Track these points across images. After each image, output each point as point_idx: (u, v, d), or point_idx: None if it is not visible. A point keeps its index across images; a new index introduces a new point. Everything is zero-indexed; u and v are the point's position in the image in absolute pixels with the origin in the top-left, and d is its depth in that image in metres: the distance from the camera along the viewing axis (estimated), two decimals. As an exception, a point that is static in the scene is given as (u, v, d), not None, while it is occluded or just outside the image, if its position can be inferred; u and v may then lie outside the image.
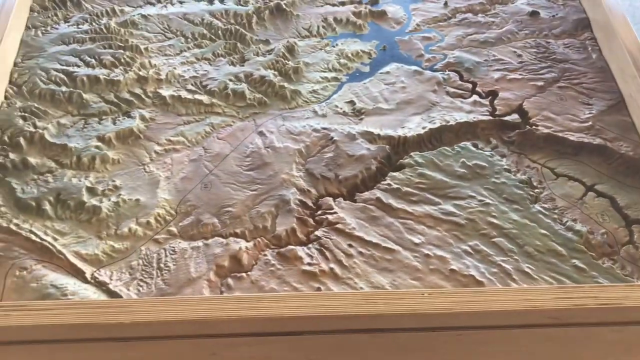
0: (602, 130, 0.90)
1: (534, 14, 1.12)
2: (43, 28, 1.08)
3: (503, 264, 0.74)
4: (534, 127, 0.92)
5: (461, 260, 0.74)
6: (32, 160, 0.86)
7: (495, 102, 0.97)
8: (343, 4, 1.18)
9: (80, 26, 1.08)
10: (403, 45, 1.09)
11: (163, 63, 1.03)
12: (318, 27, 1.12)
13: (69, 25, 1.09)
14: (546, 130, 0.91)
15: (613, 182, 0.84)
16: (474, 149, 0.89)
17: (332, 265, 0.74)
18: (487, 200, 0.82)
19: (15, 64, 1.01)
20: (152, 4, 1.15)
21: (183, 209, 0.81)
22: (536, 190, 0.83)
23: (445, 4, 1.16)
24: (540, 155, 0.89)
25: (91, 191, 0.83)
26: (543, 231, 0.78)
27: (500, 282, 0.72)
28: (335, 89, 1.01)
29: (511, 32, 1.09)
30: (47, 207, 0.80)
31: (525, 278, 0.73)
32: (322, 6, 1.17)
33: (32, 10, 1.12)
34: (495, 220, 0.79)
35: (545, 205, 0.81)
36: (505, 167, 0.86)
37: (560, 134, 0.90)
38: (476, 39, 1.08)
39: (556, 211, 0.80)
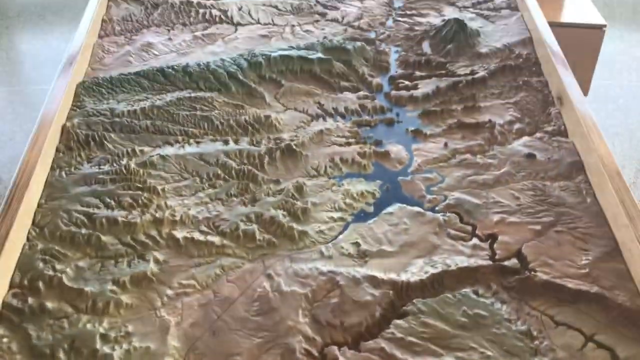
0: (599, 278, 0.93)
1: (530, 156, 1.17)
2: (67, 169, 1.15)
3: (505, 422, 0.74)
4: (533, 272, 0.94)
5: (464, 418, 0.75)
6: (50, 304, 0.89)
7: (495, 245, 1.00)
8: (349, 144, 1.24)
9: (102, 167, 1.15)
10: (405, 186, 1.14)
11: (178, 204, 1.08)
12: (325, 166, 1.18)
13: (91, 166, 1.15)
14: (545, 277, 0.93)
15: (612, 332, 0.85)
16: (474, 296, 0.91)
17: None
18: (489, 353, 0.83)
19: (39, 205, 1.06)
20: (171, 144, 1.22)
21: (192, 357, 0.83)
22: (536, 342, 0.84)
23: (445, 144, 1.23)
24: (539, 302, 0.91)
25: (104, 338, 0.85)
26: (544, 386, 0.79)
27: None
28: (341, 229, 1.05)
29: (509, 174, 1.14)
30: (61, 355, 0.82)
31: None
32: (329, 146, 1.24)
33: (57, 150, 1.19)
34: (496, 374, 0.80)
35: (546, 359, 0.82)
36: (506, 316, 0.88)
37: (558, 281, 0.93)
38: (475, 181, 1.13)
39: (557, 364, 0.81)
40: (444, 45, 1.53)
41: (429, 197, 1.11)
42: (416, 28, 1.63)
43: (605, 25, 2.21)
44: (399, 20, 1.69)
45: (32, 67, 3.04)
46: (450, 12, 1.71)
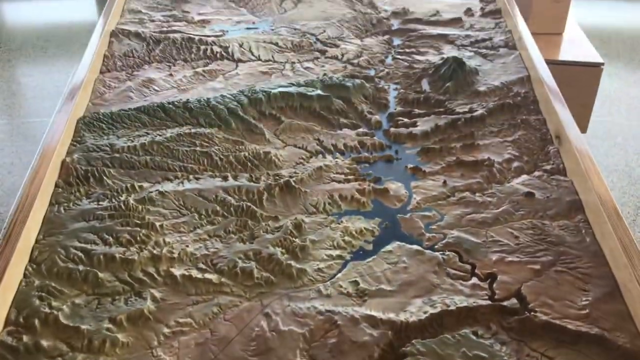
0: (599, 319, 0.93)
1: (529, 195, 1.18)
2: (66, 204, 1.15)
3: None
4: (532, 313, 0.94)
5: None
6: (45, 343, 0.89)
7: (494, 285, 1.00)
8: (348, 181, 1.25)
9: (100, 202, 1.15)
10: (404, 224, 1.14)
11: (177, 241, 1.08)
12: (324, 203, 1.19)
13: (90, 202, 1.16)
14: (545, 317, 0.93)
15: (613, 375, 0.85)
16: (474, 337, 0.91)
17: None
18: (488, 395, 0.82)
19: (37, 241, 1.06)
20: (170, 180, 1.23)
21: (187, 398, 0.83)
22: (536, 386, 0.84)
23: (444, 182, 1.24)
24: (539, 344, 0.90)
25: (99, 378, 0.84)
26: None
27: None
28: (340, 267, 1.05)
29: (508, 213, 1.15)
30: (55, 395, 0.82)
31: None
32: (328, 183, 1.24)
33: (57, 186, 1.20)
34: (496, 417, 0.79)
35: (546, 402, 0.82)
36: (505, 357, 0.88)
37: (558, 322, 0.92)
38: (474, 219, 1.14)
39: (558, 407, 0.81)
40: (442, 83, 1.56)
41: (428, 235, 1.11)
42: (415, 66, 1.66)
43: (602, 64, 2.25)
44: (398, 58, 1.72)
45: (33, 100, 3.07)
46: (449, 51, 1.74)
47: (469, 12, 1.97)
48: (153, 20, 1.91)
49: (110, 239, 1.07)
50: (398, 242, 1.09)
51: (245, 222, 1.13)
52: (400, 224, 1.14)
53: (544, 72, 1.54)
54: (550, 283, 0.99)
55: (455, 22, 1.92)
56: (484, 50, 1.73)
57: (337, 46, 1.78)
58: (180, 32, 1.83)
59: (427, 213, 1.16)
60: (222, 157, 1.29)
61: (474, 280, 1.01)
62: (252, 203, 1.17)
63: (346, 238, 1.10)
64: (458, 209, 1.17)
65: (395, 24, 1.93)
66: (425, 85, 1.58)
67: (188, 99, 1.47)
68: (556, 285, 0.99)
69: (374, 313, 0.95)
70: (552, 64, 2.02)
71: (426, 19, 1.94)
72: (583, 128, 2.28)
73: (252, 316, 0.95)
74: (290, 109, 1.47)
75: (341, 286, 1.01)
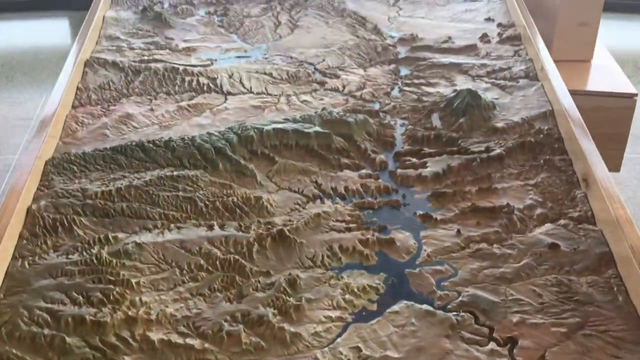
0: (635, 391, 0.93)
1: (553, 246, 1.19)
2: (31, 258, 1.16)
3: None
4: (558, 383, 0.94)
5: None
6: (3, 419, 0.89)
7: (515, 351, 1.00)
8: (349, 230, 1.26)
9: (70, 256, 1.16)
10: (413, 280, 1.15)
11: (155, 300, 1.09)
12: (323, 256, 1.20)
13: (58, 255, 1.17)
14: (572, 389, 0.93)
15: None
16: (492, 412, 0.91)
17: None
18: None
19: (-3, 301, 1.07)
20: (149, 230, 1.24)
21: None
22: None
23: (458, 232, 1.25)
24: (567, 419, 0.90)
25: None
26: None
27: None
28: (340, 331, 1.05)
29: (530, 267, 1.15)
30: None
31: None
32: (327, 232, 1.26)
33: (21, 237, 1.21)
34: None
35: None
36: None
37: (588, 394, 0.92)
38: (492, 274, 1.15)
39: None
40: (455, 119, 1.58)
41: (439, 293, 1.11)
42: (425, 99, 1.69)
43: (636, 94, 2.28)
44: (406, 90, 1.75)
45: (-3, 135, 3.10)
46: (462, 82, 1.77)
47: (485, 38, 2.02)
48: (132, 48, 1.95)
49: (80, 298, 1.08)
50: (406, 302, 1.10)
51: (232, 278, 1.14)
52: (408, 280, 1.15)
53: (570, 106, 1.57)
54: (577, 349, 1.00)
55: (470, 49, 1.96)
56: (502, 82, 1.76)
57: (337, 77, 1.82)
58: (162, 61, 1.87)
59: (438, 267, 1.17)
60: (207, 203, 1.31)
61: (492, 345, 1.01)
62: (241, 256, 1.18)
63: (347, 297, 1.11)
64: (474, 262, 1.18)
65: (403, 51, 1.97)
66: (436, 120, 1.60)
67: (170, 137, 1.49)
68: (585, 352, 0.99)
69: (378, 384, 0.95)
70: (579, 95, 2.05)
71: (437, 46, 1.98)
72: (615, 167, 2.30)
73: (239, 387, 0.95)
74: (285, 147, 1.49)
75: (341, 353, 1.01)
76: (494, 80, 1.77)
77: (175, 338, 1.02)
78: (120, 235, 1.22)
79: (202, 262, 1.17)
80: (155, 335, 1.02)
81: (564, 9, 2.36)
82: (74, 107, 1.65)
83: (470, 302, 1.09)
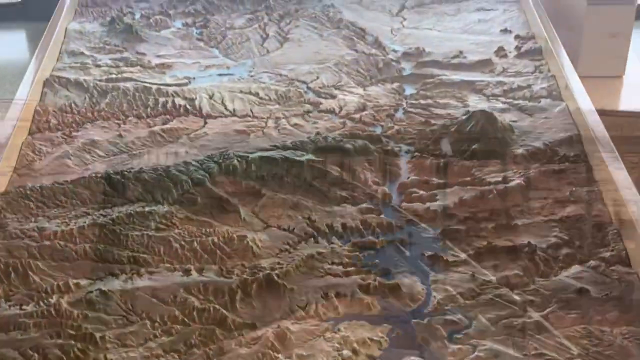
0: None
1: (582, 292, 1.19)
2: (-22, 309, 1.15)
3: None
4: None
5: None
6: None
7: (540, 415, 0.99)
8: (347, 274, 1.26)
9: (24, 307, 1.16)
10: (421, 332, 1.14)
11: (122, 358, 1.08)
12: (316, 304, 1.19)
13: (10, 306, 1.16)
14: None
15: None
16: None
17: None
18: None
19: (-63, 360, 1.06)
20: (115, 276, 1.23)
21: None
22: None
23: (472, 275, 1.24)
24: None
25: None
26: None
27: None
28: (337, 394, 1.04)
29: (556, 317, 1.15)
30: None
31: None
32: (322, 277, 1.25)
33: (-32, 284, 1.20)
34: None
35: None
36: None
37: None
38: (512, 325, 1.14)
39: None
40: (468, 145, 1.58)
41: (452, 347, 1.11)
42: (433, 122, 1.70)
43: (674, 114, 2.29)
44: (411, 112, 1.75)
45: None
46: (475, 102, 1.78)
47: (501, 52, 2.03)
48: (99, 65, 1.97)
49: (36, 356, 1.07)
50: (413, 358, 1.09)
51: (212, 331, 1.13)
52: (416, 333, 1.14)
53: (598, 129, 1.57)
54: (613, 412, 0.99)
55: (484, 65, 1.98)
56: (521, 102, 1.77)
57: (333, 97, 1.83)
58: (133, 80, 1.88)
59: (450, 317, 1.16)
60: (183, 243, 1.31)
61: (513, 408, 1.01)
62: (222, 306, 1.18)
63: (345, 352, 1.10)
64: (491, 311, 1.17)
65: (408, 67, 1.98)
66: (445, 146, 1.61)
67: (141, 168, 1.49)
68: (621, 415, 0.98)
69: None
70: (609, 115, 2.06)
71: (446, 62, 2.00)
72: (653, 197, 2.30)
73: None
74: (273, 178, 1.49)
75: (338, 418, 1.00)
76: (511, 100, 1.78)
77: (146, 403, 1.01)
78: (83, 282, 1.22)
79: (176, 313, 1.16)
80: (122, 400, 1.01)
81: (591, 18, 2.38)
82: (30, 133, 1.65)
83: (487, 358, 1.08)
